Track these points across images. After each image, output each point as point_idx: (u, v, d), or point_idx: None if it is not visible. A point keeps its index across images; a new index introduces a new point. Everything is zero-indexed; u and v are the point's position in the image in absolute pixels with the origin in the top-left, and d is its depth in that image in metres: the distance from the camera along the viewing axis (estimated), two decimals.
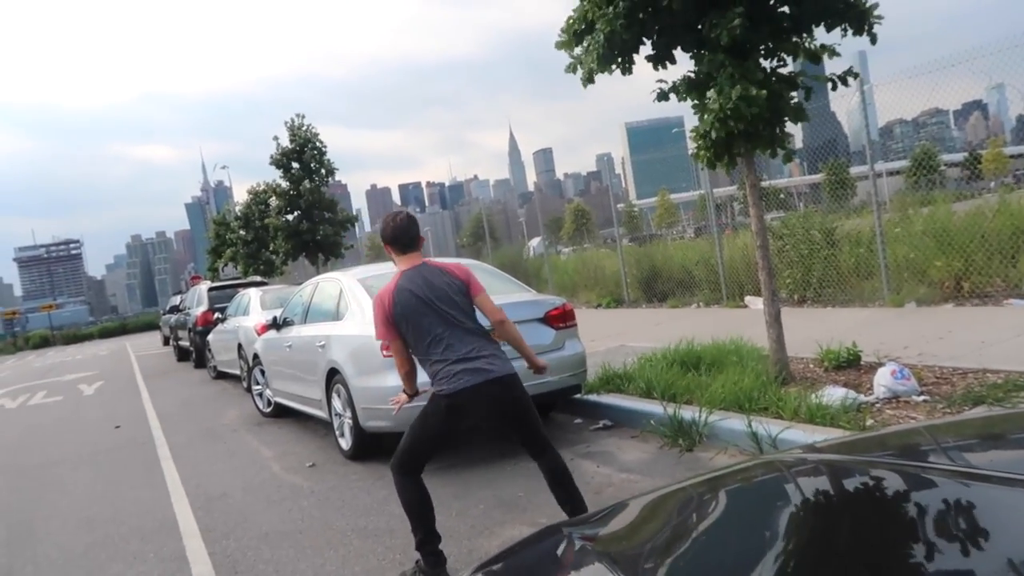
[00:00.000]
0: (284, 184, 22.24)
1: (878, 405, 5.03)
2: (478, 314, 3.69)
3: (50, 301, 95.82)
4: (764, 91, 5.22)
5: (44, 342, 46.36)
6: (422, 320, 3.55)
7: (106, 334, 47.84)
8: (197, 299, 16.40)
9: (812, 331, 7.42)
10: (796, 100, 5.71)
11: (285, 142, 21.95)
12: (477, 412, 3.57)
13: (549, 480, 3.70)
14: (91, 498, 6.08)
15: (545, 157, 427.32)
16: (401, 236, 3.66)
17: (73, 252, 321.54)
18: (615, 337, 10.01)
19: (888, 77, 9.33)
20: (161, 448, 7.67)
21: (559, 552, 1.23)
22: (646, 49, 5.66)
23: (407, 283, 3.58)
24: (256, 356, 8.73)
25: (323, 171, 22.16)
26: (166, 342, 23.08)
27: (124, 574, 4.29)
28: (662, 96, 5.78)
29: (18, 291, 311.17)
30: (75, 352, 32.39)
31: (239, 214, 26.76)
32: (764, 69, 5.47)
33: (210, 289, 16.43)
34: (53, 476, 7.08)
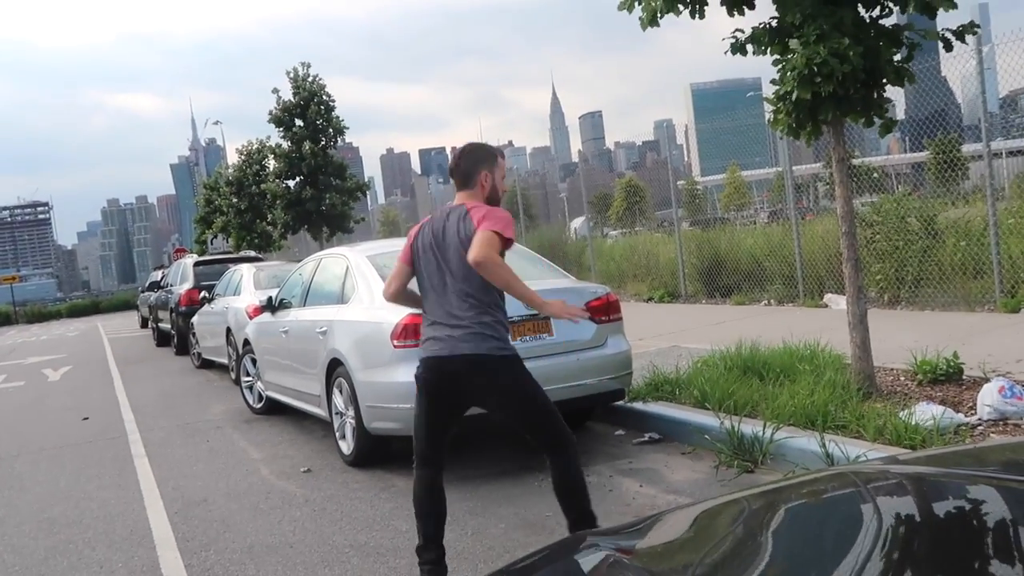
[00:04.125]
0: (284, 144, 22.46)
1: (981, 427, 4.97)
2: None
3: (13, 272, 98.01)
4: (859, 47, 5.14)
5: (5, 319, 47.42)
6: (423, 264, 3.77)
7: (76, 312, 48.88)
8: (181, 275, 16.67)
9: (904, 337, 7.33)
10: (899, 59, 5.61)
11: (287, 95, 22.15)
12: (444, 392, 3.71)
13: (556, 484, 3.74)
14: (53, 497, 6.24)
15: (593, 122, 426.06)
16: (453, 168, 3.90)
17: (41, 217, 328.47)
18: (667, 336, 9.99)
19: (1014, 35, 9.10)
20: (135, 444, 7.84)
21: (590, 565, 1.25)
22: None
23: (430, 219, 3.87)
24: (247, 343, 8.87)
25: (331, 130, 22.35)
26: (144, 324, 23.51)
27: None
28: (737, 48, 5.72)
29: None
30: (40, 332, 33.15)
31: (231, 178, 27.10)
32: (862, 19, 5.39)
33: (196, 264, 16.69)
34: (10, 471, 7.28)
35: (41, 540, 5.22)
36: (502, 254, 3.57)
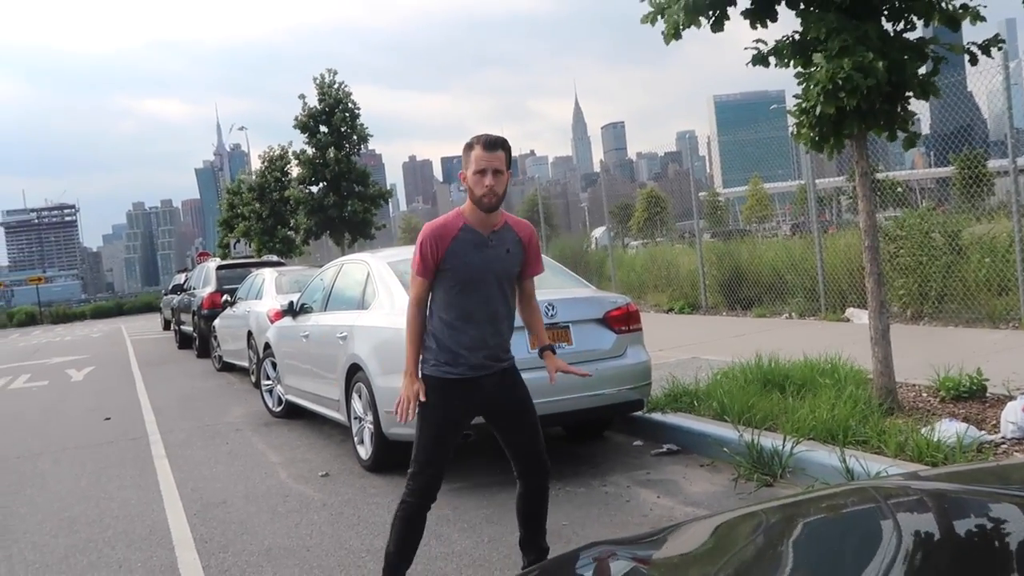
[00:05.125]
0: (309, 150, 22.58)
1: (1005, 445, 4.91)
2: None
3: (39, 273, 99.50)
4: (884, 60, 5.12)
5: (30, 319, 48.07)
6: None
7: (100, 314, 49.43)
8: (204, 278, 16.80)
9: (927, 353, 7.25)
10: (924, 73, 5.58)
11: (313, 102, 22.29)
12: None
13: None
14: (74, 496, 6.29)
15: (616, 133, 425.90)
16: None
17: (67, 219, 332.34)
18: (687, 347, 9.95)
19: None
20: (155, 445, 7.90)
21: (607, 574, 1.24)
22: (744, 2, 5.61)
23: None
24: (267, 346, 8.92)
25: (355, 137, 22.45)
26: (167, 326, 23.70)
27: None
28: (759, 59, 5.71)
29: (3, 260, 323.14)
30: (64, 332, 33.52)
31: (253, 184, 27.30)
32: (886, 33, 5.37)
33: (219, 268, 16.83)
34: (33, 469, 7.35)
35: (62, 538, 5.27)
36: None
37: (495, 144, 3.44)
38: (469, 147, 3.45)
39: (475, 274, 3.49)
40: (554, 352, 3.78)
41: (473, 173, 3.40)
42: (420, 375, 3.59)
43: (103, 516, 5.69)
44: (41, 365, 18.01)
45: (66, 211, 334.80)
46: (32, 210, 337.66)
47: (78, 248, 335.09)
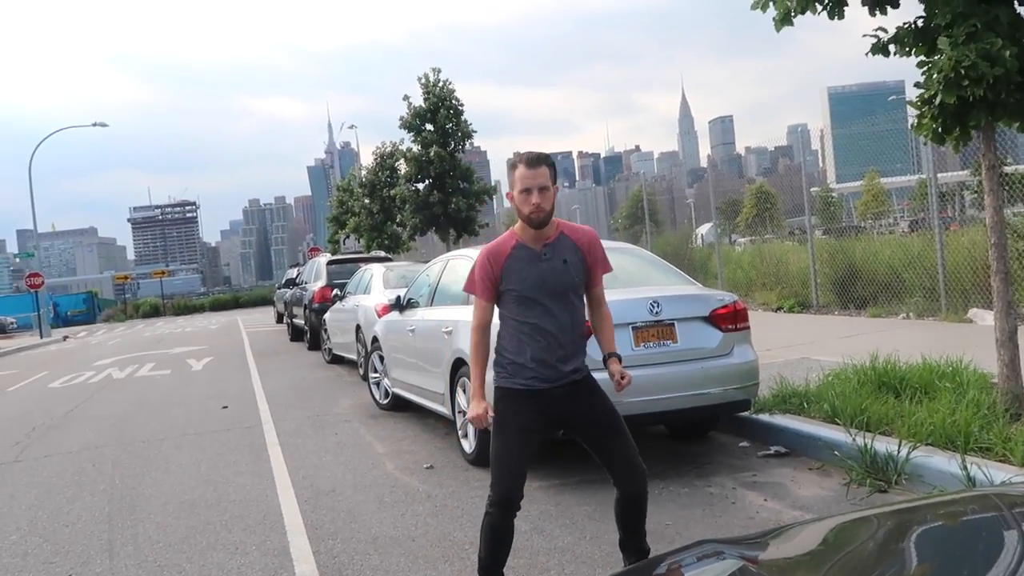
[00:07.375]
0: (415, 148, 23.01)
1: None
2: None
3: (162, 267, 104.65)
4: (1014, 48, 4.86)
5: (154, 311, 50.86)
6: None
7: (217, 306, 51.86)
8: (315, 273, 17.34)
9: None
10: None
11: (418, 100, 22.71)
12: None
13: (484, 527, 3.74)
14: (195, 480, 6.61)
15: (723, 127, 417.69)
16: None
17: (188, 215, 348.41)
18: (796, 347, 9.69)
19: None
20: (269, 434, 8.21)
21: (715, 571, 1.24)
22: None
23: None
24: (375, 340, 9.14)
25: (459, 134, 22.76)
26: (279, 319, 24.55)
27: (225, 565, 4.65)
28: (878, 48, 5.50)
29: (131, 254, 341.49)
30: (185, 324, 35.21)
31: (364, 180, 28.00)
32: (1018, 18, 5.09)
33: (330, 263, 17.33)
34: (157, 453, 7.76)
35: (183, 520, 5.54)
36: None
37: (538, 161, 3.49)
38: (513, 166, 3.53)
39: (532, 290, 3.51)
40: (619, 360, 3.69)
41: (519, 192, 3.47)
42: (494, 387, 3.65)
43: (221, 500, 5.96)
44: (164, 355, 18.95)
45: (187, 207, 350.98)
46: (156, 207, 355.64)
47: (198, 243, 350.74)
